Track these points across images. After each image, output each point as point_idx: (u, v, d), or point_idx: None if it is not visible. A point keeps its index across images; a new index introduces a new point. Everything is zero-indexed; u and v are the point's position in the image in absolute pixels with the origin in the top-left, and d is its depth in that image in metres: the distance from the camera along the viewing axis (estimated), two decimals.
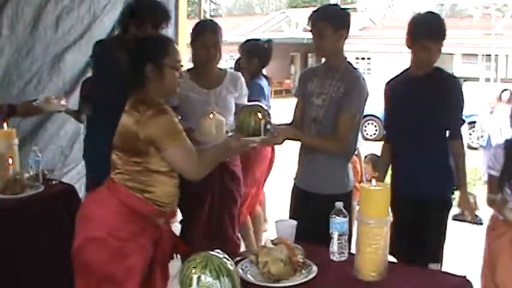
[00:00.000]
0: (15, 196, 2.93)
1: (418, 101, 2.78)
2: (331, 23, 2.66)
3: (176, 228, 3.10)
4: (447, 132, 2.84)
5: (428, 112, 2.77)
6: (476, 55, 19.71)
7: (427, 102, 2.77)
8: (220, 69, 3.12)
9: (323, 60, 2.93)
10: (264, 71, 4.33)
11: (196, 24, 3.07)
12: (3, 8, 4.31)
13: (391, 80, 3.01)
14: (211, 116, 2.73)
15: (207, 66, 3.01)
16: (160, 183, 2.20)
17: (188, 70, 3.05)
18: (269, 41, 4.19)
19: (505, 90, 8.97)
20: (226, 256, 1.69)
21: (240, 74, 3.21)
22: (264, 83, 4.09)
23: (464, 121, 2.89)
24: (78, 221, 2.21)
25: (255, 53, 4.07)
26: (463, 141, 2.88)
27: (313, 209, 2.65)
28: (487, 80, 16.70)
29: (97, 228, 2.14)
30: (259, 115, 2.39)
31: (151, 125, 2.11)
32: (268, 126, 2.41)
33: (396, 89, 2.93)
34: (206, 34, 2.95)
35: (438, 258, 2.80)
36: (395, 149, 2.95)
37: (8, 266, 2.74)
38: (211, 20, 3.20)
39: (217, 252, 1.69)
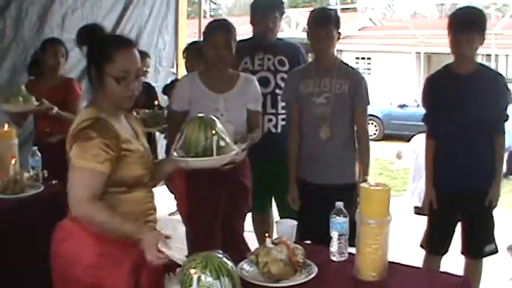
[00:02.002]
0: (15, 196, 2.93)
1: (469, 98, 2.82)
2: (335, 26, 2.85)
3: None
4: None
5: (477, 109, 2.83)
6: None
7: (476, 100, 2.82)
8: (234, 72, 2.97)
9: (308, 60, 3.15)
10: None
11: (208, 24, 2.94)
12: (7, 9, 4.32)
13: (433, 75, 3.07)
14: None
15: (217, 69, 2.86)
16: (120, 203, 1.95)
17: (200, 72, 2.96)
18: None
19: None
20: (227, 256, 1.68)
21: (253, 77, 3.04)
22: None
23: (508, 116, 2.94)
24: (52, 260, 1.99)
25: (201, 55, 3.84)
26: (505, 136, 2.97)
27: (325, 200, 2.68)
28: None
29: (70, 267, 1.91)
30: (213, 130, 2.04)
31: (70, 139, 1.90)
32: (222, 143, 2.06)
33: (441, 85, 2.95)
34: (216, 34, 2.81)
35: (493, 240, 2.95)
36: (441, 145, 2.98)
37: (8, 266, 2.74)
38: (224, 20, 3.04)
39: (218, 252, 1.69)
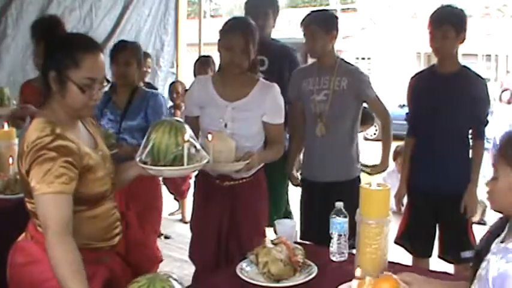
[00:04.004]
0: (15, 196, 2.93)
1: (446, 99, 2.82)
2: (321, 26, 2.88)
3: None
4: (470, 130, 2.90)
5: (455, 111, 2.82)
6: (476, 55, 19.73)
7: (454, 101, 2.80)
8: (253, 77, 2.62)
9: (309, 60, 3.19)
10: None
11: (226, 22, 2.61)
12: (8, 8, 4.33)
13: (417, 74, 3.08)
14: (209, 137, 2.27)
15: (231, 74, 2.55)
16: (82, 223, 1.77)
17: (214, 75, 2.71)
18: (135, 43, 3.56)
19: (506, 90, 8.96)
20: (176, 278, 1.55)
21: (274, 84, 2.63)
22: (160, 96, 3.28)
23: (488, 121, 2.91)
24: (10, 286, 1.83)
25: (135, 57, 3.16)
26: (484, 142, 2.92)
27: (324, 198, 2.69)
28: (487, 80, 16.70)
29: None
30: (185, 136, 1.86)
31: (28, 160, 1.69)
32: (192, 151, 1.91)
33: (422, 84, 2.96)
34: (232, 35, 2.48)
35: (470, 247, 2.85)
36: (419, 144, 2.98)
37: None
38: (243, 18, 2.74)
39: (164, 275, 1.56)
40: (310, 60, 3.22)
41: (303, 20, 2.96)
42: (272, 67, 3.29)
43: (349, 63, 3.04)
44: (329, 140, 2.92)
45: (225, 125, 2.52)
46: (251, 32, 2.51)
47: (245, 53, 2.47)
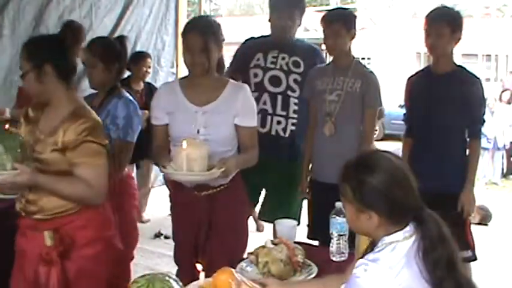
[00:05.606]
0: (15, 196, 2.93)
1: (441, 99, 2.82)
2: (344, 24, 2.89)
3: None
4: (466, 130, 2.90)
5: (450, 111, 2.82)
6: (476, 55, 19.73)
7: (449, 101, 2.80)
8: (222, 78, 2.54)
9: (328, 59, 3.17)
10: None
11: (186, 23, 2.58)
12: (5, 8, 4.32)
13: (414, 75, 3.08)
14: (184, 145, 2.20)
15: (196, 76, 2.45)
16: None
17: (181, 79, 2.61)
18: (122, 37, 3.15)
19: (506, 90, 8.97)
20: (175, 278, 1.59)
21: (245, 86, 2.55)
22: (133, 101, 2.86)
23: (484, 121, 2.91)
24: None
25: (115, 56, 2.83)
26: (481, 141, 2.93)
27: (332, 199, 2.69)
28: (487, 80, 16.71)
29: None
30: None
31: None
32: None
33: (418, 85, 2.97)
34: (190, 36, 2.39)
35: (467, 247, 2.81)
36: (416, 144, 2.98)
37: (7, 267, 2.74)
38: (203, 17, 2.68)
39: (163, 275, 1.59)
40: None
41: (325, 17, 2.95)
42: (307, 68, 3.20)
43: (365, 66, 3.05)
44: (337, 140, 2.92)
45: (198, 131, 2.40)
46: (210, 30, 2.41)
47: (204, 52, 2.36)
